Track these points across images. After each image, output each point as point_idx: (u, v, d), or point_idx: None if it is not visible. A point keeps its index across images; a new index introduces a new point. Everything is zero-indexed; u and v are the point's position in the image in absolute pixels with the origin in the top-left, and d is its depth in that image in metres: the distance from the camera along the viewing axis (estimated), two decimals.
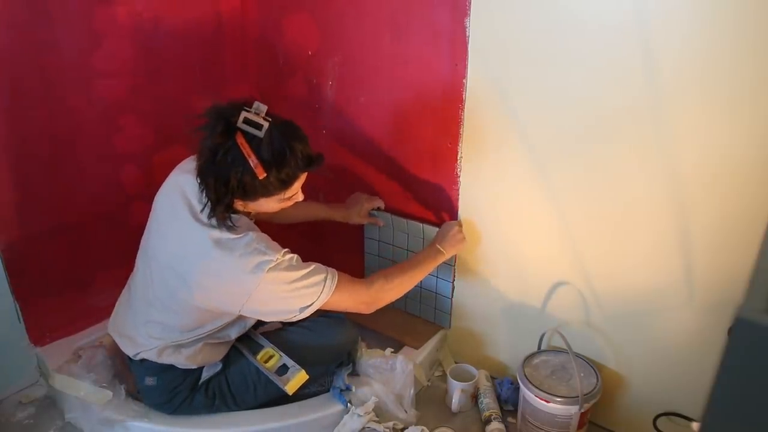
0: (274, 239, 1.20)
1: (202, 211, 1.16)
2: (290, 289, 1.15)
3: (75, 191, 1.54)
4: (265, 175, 1.09)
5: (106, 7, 1.47)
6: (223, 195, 1.12)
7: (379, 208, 1.60)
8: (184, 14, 1.64)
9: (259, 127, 1.09)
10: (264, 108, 1.11)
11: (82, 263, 1.61)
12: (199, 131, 1.12)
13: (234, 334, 1.30)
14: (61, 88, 1.44)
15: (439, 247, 1.39)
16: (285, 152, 1.11)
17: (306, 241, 1.83)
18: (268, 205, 1.19)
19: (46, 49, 1.39)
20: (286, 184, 1.15)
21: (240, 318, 1.27)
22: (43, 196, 1.48)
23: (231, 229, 1.15)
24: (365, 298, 1.26)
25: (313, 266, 1.19)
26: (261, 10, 1.71)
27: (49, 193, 1.49)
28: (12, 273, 1.45)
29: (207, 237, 1.14)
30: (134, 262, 1.37)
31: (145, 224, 1.71)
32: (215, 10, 1.71)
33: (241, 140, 1.08)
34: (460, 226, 1.45)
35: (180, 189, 1.21)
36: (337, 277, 1.20)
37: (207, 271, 1.15)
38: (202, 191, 1.14)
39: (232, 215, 1.16)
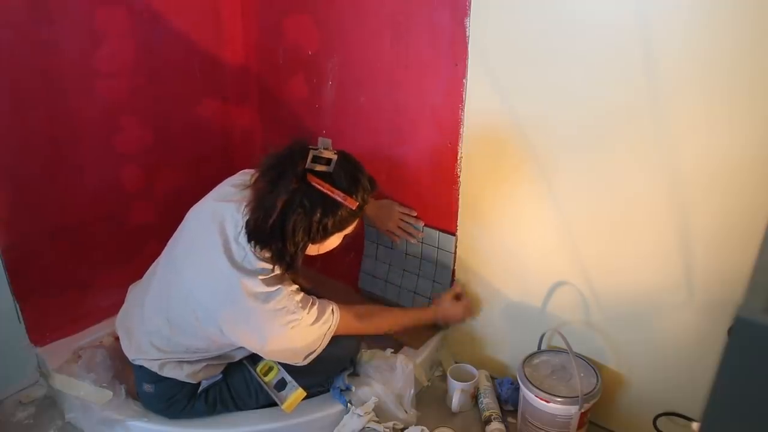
0: None
1: (283, 269, 1.15)
2: (303, 344, 1.20)
3: (75, 191, 1.54)
4: (357, 204, 1.10)
5: (107, 7, 1.47)
6: (304, 244, 1.12)
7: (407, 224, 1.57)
8: (185, 14, 1.64)
9: (328, 162, 1.08)
10: (329, 141, 1.10)
11: (82, 263, 1.61)
12: (258, 184, 1.10)
13: (239, 355, 1.31)
14: (61, 89, 1.44)
15: (436, 311, 1.49)
16: (358, 177, 1.13)
17: None
18: (335, 242, 1.20)
19: (46, 49, 1.39)
20: (361, 210, 1.15)
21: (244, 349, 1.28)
22: (43, 196, 1.48)
23: (266, 281, 1.14)
24: (346, 331, 1.30)
25: (325, 315, 1.22)
26: (261, 10, 1.71)
27: (49, 193, 1.49)
28: (12, 273, 1.45)
29: (239, 284, 1.13)
30: (135, 262, 1.37)
31: (145, 224, 1.72)
32: (215, 11, 1.71)
33: (315, 180, 1.08)
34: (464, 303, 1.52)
35: (219, 221, 1.18)
36: (338, 321, 1.24)
37: (233, 316, 1.15)
38: (269, 246, 1.12)
39: (263, 261, 1.15)
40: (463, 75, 1.33)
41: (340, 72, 1.59)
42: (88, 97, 1.49)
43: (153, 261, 1.36)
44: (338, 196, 1.09)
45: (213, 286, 1.16)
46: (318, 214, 1.09)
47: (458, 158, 1.43)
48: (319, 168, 1.08)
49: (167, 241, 1.32)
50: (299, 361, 1.22)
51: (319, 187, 1.08)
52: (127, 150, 1.62)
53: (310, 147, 1.09)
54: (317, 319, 1.20)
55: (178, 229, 1.30)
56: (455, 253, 1.52)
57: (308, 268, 1.81)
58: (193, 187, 1.38)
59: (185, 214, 1.30)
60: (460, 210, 1.48)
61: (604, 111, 1.17)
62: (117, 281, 1.58)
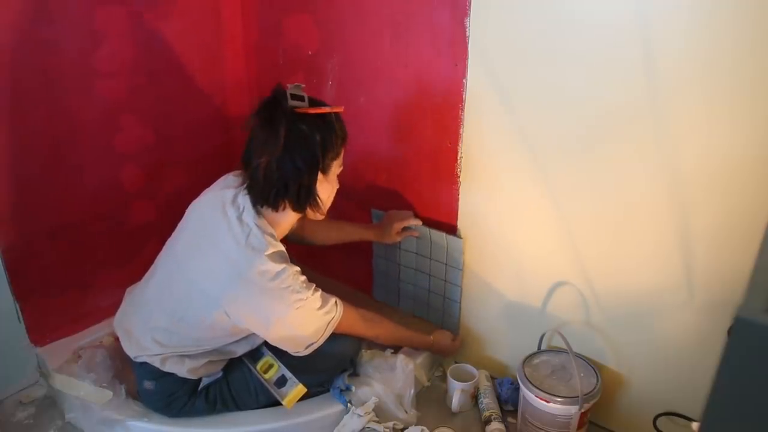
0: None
1: (305, 208, 1.21)
2: (306, 330, 1.21)
3: (75, 191, 1.54)
4: (341, 108, 1.19)
5: (107, 7, 1.47)
6: (315, 173, 1.17)
7: (410, 228, 1.56)
8: (185, 14, 1.64)
9: (303, 98, 1.15)
10: (301, 85, 1.17)
11: (82, 263, 1.61)
12: (254, 127, 1.15)
13: (240, 351, 1.31)
14: (61, 88, 1.44)
15: (432, 343, 1.53)
16: (326, 104, 1.20)
17: None
18: (333, 186, 1.25)
19: (46, 49, 1.39)
20: (346, 136, 1.22)
21: (249, 337, 1.28)
22: (43, 196, 1.48)
23: (272, 257, 1.15)
24: (348, 329, 1.31)
25: (329, 304, 1.23)
26: (261, 10, 1.71)
27: (49, 193, 1.49)
28: (12, 273, 1.45)
29: (245, 262, 1.14)
30: (135, 262, 1.37)
31: (145, 224, 1.72)
32: (215, 11, 1.71)
33: (303, 109, 1.14)
34: (456, 339, 1.58)
35: (221, 205, 1.22)
36: (341, 314, 1.26)
37: (239, 296, 1.16)
38: (283, 190, 1.16)
39: (268, 236, 1.17)
40: (463, 75, 1.33)
41: (340, 72, 1.59)
42: (88, 96, 1.49)
43: (153, 261, 1.36)
44: (326, 109, 1.17)
45: (218, 269, 1.17)
46: (318, 137, 1.15)
47: (458, 158, 1.43)
48: (298, 103, 1.15)
49: (167, 240, 1.32)
50: (300, 350, 1.23)
51: (309, 111, 1.14)
52: (127, 150, 1.62)
53: (284, 88, 1.16)
54: (322, 306, 1.21)
55: (177, 226, 1.31)
56: (449, 246, 1.52)
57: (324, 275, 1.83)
58: (193, 186, 1.37)
59: (185, 213, 1.31)
60: (459, 210, 1.48)
61: (605, 111, 1.17)
62: (117, 281, 1.58)
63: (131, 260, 1.68)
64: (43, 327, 1.54)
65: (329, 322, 1.23)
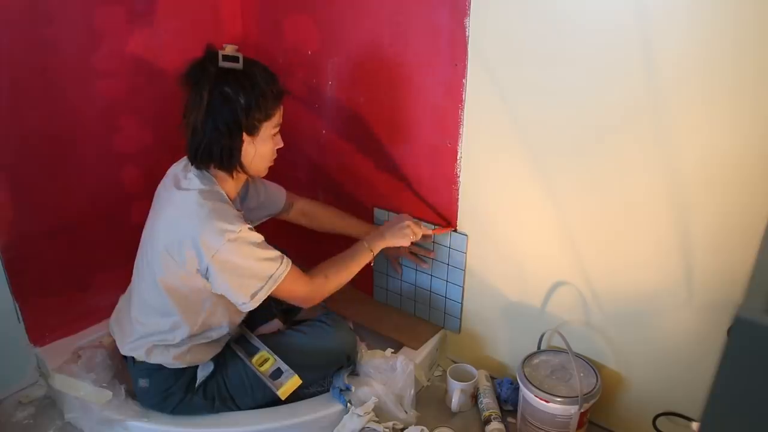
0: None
1: (231, 170, 1.22)
2: (246, 265, 1.17)
3: (75, 191, 1.54)
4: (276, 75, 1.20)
5: (107, 6, 1.47)
6: (239, 135, 1.17)
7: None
8: (185, 14, 1.64)
9: (236, 59, 1.16)
10: (235, 46, 1.17)
11: (82, 263, 1.61)
12: (186, 97, 1.18)
13: (215, 335, 1.29)
14: (61, 88, 1.44)
15: (366, 244, 1.41)
16: (265, 65, 1.21)
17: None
18: (268, 142, 1.23)
19: (46, 48, 1.39)
20: (279, 97, 1.22)
21: (222, 322, 1.28)
22: (43, 196, 1.48)
23: (207, 194, 1.19)
24: (305, 293, 1.29)
25: (273, 252, 1.21)
26: (261, 10, 1.71)
27: (49, 193, 1.49)
28: (12, 273, 1.45)
29: (190, 199, 1.18)
30: (134, 262, 1.38)
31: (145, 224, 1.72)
32: (215, 11, 1.71)
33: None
34: (415, 223, 1.46)
35: (173, 175, 1.28)
36: (290, 266, 1.23)
37: (186, 233, 1.16)
38: (210, 153, 1.18)
39: (206, 180, 1.21)
40: (463, 75, 1.33)
41: (340, 72, 1.59)
42: (87, 96, 1.49)
43: None
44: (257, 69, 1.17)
45: (173, 218, 1.20)
46: (242, 99, 1.15)
47: (458, 158, 1.43)
48: (230, 65, 1.15)
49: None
50: (247, 302, 1.18)
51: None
52: (127, 150, 1.62)
53: (217, 50, 1.16)
54: (261, 246, 1.19)
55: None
56: (452, 247, 1.53)
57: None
58: None
59: None
60: (459, 210, 1.48)
61: (604, 111, 1.17)
62: (117, 281, 1.58)
63: (131, 260, 1.67)
64: (42, 327, 1.54)
65: (273, 274, 1.19)
